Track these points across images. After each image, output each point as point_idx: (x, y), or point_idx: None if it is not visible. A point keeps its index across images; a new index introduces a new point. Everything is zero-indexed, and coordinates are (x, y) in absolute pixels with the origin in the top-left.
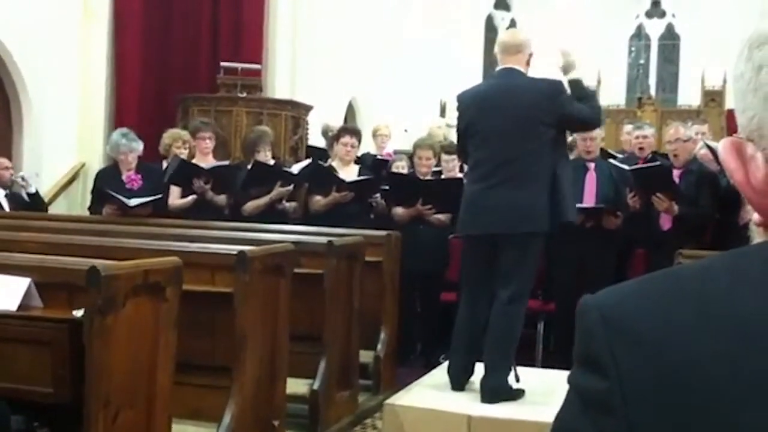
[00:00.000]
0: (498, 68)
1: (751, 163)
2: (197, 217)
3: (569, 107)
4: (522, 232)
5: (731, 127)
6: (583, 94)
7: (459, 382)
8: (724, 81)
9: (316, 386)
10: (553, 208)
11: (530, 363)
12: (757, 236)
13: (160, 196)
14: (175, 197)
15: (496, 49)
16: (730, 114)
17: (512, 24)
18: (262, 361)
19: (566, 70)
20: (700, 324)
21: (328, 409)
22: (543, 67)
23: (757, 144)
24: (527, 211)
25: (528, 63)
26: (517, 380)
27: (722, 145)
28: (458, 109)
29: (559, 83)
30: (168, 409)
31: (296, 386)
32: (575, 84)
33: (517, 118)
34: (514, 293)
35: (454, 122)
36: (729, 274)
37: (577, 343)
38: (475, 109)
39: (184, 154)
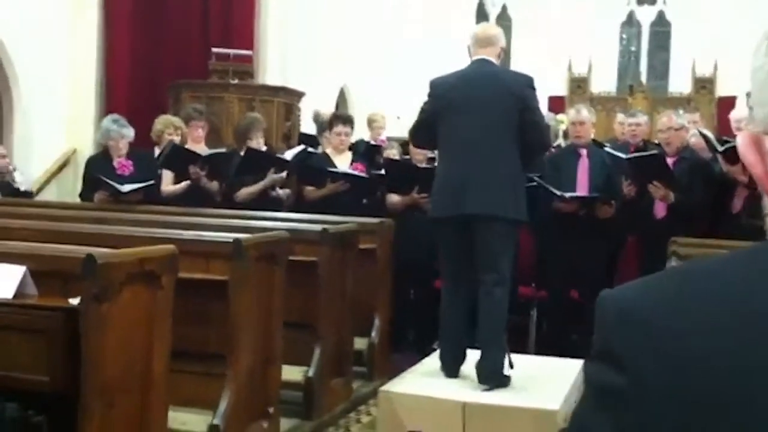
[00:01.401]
0: (472, 59)
1: None
2: (188, 204)
3: (533, 103)
4: (502, 216)
5: (722, 115)
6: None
7: (452, 370)
8: (715, 68)
9: (310, 373)
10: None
11: (523, 350)
12: None
13: (152, 182)
14: (168, 182)
15: (470, 41)
16: (721, 101)
17: (503, 11)
18: (256, 349)
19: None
20: (719, 320)
21: (323, 396)
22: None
23: None
24: (506, 197)
25: (499, 56)
26: (511, 367)
27: (740, 139)
28: (431, 93)
29: (530, 78)
30: (164, 397)
31: (291, 373)
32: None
33: (494, 106)
34: (500, 277)
35: None
36: (748, 270)
37: (596, 338)
38: (452, 94)
39: (176, 140)
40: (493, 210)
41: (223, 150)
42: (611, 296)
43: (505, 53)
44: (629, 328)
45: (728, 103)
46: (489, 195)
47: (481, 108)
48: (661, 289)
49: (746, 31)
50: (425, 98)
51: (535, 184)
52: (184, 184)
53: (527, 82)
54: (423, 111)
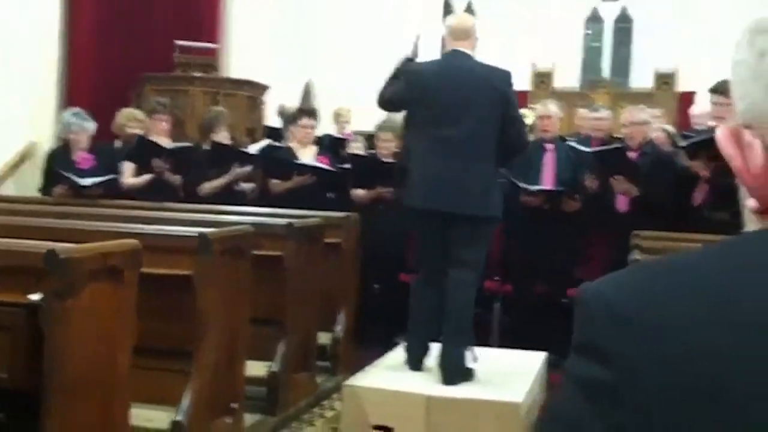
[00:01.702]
0: (447, 50)
1: (749, 150)
2: (150, 198)
3: (513, 102)
4: (481, 215)
5: (683, 111)
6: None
7: (417, 363)
8: (676, 65)
9: (274, 368)
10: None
11: (487, 343)
12: (750, 223)
13: (114, 176)
14: (129, 175)
15: (444, 32)
16: (682, 97)
17: (468, 7)
18: (221, 344)
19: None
20: (704, 312)
21: (287, 391)
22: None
23: (755, 131)
24: (486, 194)
25: (474, 47)
26: (475, 360)
27: (721, 132)
28: (408, 79)
29: (510, 74)
30: (126, 394)
31: (255, 369)
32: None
33: (474, 100)
34: (472, 273)
35: None
36: (730, 262)
37: (578, 333)
38: (433, 86)
39: (138, 134)
40: (474, 210)
41: (187, 144)
42: (593, 290)
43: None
44: (614, 322)
45: (688, 98)
46: (470, 194)
47: (465, 104)
48: (642, 283)
49: (706, 28)
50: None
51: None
52: (146, 177)
53: (508, 79)
54: (397, 90)
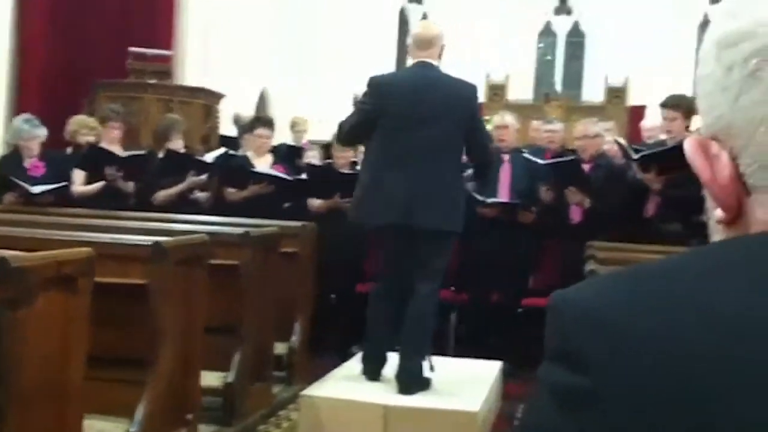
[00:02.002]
0: (412, 61)
1: (716, 161)
2: (101, 206)
3: (477, 116)
4: (447, 230)
5: (633, 124)
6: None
7: (374, 373)
8: (627, 79)
9: (230, 379)
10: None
11: (443, 352)
12: (717, 233)
13: (65, 183)
14: (80, 183)
15: (409, 41)
16: (632, 111)
17: (424, 18)
18: (176, 354)
19: None
20: (679, 319)
21: (243, 402)
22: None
23: (723, 143)
24: (451, 209)
25: (440, 56)
26: (432, 369)
27: (689, 144)
28: (372, 92)
29: (475, 87)
30: (80, 404)
31: (210, 379)
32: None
33: (440, 114)
34: (434, 286)
35: None
36: (703, 269)
37: (552, 340)
38: (393, 100)
39: (90, 141)
40: (439, 224)
41: (141, 152)
42: (567, 297)
43: None
44: (589, 329)
45: (639, 112)
46: (435, 209)
47: (429, 117)
48: (617, 290)
49: (656, 44)
50: (348, 105)
51: None
52: (98, 185)
53: (474, 92)
54: (362, 110)
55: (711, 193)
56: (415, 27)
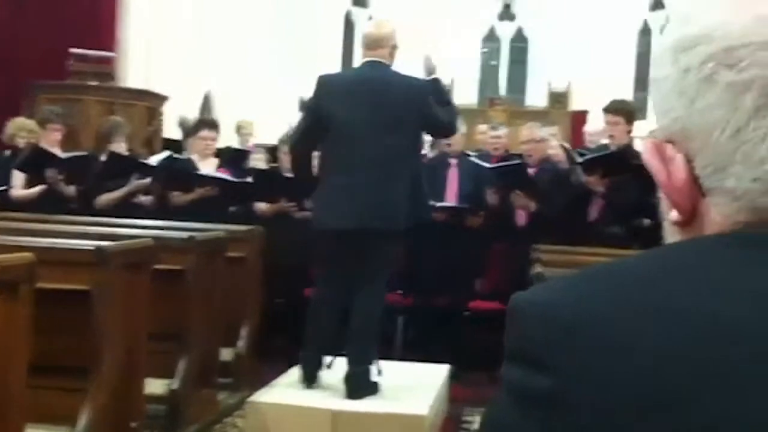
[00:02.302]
0: (363, 60)
1: (672, 164)
2: (42, 209)
3: (434, 109)
4: (393, 229)
5: (576, 128)
6: (443, 99)
7: (311, 378)
8: (569, 84)
9: (175, 386)
10: (413, 207)
11: (390, 356)
12: (670, 235)
13: (4, 187)
14: (20, 186)
15: (361, 41)
16: (575, 116)
17: (370, 21)
18: (120, 361)
19: (430, 72)
20: (639, 320)
21: (188, 409)
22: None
23: (678, 145)
24: (394, 210)
25: (392, 56)
26: (380, 373)
27: (645, 147)
28: (319, 91)
29: (428, 84)
30: (21, 413)
31: (155, 386)
32: (438, 87)
33: (386, 113)
34: (379, 289)
35: None
36: (665, 270)
37: (514, 342)
38: (339, 99)
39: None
40: (389, 225)
41: (82, 153)
42: (528, 299)
43: None
44: (550, 329)
45: (581, 117)
46: (382, 210)
47: (378, 118)
48: (579, 291)
49: (597, 50)
50: (301, 101)
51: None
52: (38, 188)
53: (425, 91)
54: (308, 116)
55: (667, 194)
56: (367, 26)
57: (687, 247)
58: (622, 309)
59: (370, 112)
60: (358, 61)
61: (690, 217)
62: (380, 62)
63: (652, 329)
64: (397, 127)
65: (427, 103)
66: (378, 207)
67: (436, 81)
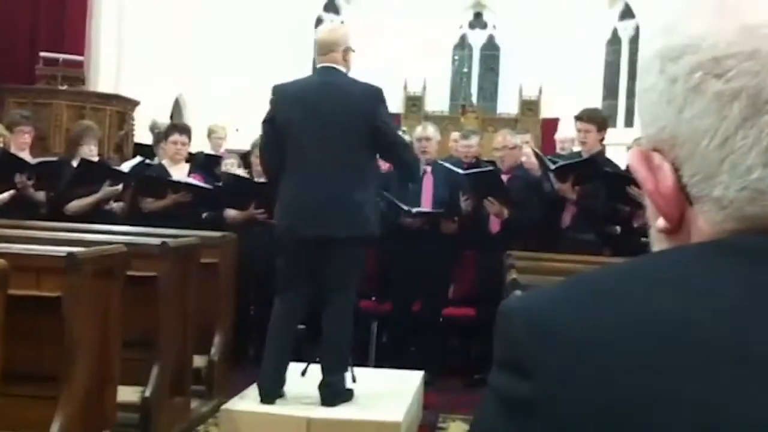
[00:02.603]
0: (318, 66)
1: (659, 172)
2: (11, 215)
3: (385, 120)
4: (355, 236)
5: (546, 136)
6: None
7: (271, 396)
8: (540, 92)
9: (147, 393)
10: (381, 213)
11: (364, 363)
12: (657, 243)
13: None
14: None
15: (314, 46)
16: (545, 123)
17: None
18: (92, 369)
19: None
20: (626, 328)
21: (161, 417)
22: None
23: (666, 154)
24: (355, 216)
25: (345, 59)
26: (354, 380)
27: (632, 155)
28: (273, 102)
29: (380, 90)
30: None
31: (127, 394)
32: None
33: (340, 119)
34: (348, 297)
35: None
36: (651, 278)
37: (501, 349)
38: (293, 107)
39: None
40: (346, 231)
41: (54, 158)
42: (517, 306)
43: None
44: (537, 336)
45: (552, 124)
46: (339, 216)
47: (329, 124)
48: (565, 299)
49: (567, 58)
50: (267, 108)
51: (380, 197)
52: (7, 193)
53: (377, 97)
54: (267, 128)
55: (654, 202)
56: (318, 31)
57: (673, 255)
58: (605, 318)
59: (324, 118)
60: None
61: (677, 225)
62: (333, 67)
63: (633, 338)
64: (351, 132)
65: (378, 111)
66: (338, 213)
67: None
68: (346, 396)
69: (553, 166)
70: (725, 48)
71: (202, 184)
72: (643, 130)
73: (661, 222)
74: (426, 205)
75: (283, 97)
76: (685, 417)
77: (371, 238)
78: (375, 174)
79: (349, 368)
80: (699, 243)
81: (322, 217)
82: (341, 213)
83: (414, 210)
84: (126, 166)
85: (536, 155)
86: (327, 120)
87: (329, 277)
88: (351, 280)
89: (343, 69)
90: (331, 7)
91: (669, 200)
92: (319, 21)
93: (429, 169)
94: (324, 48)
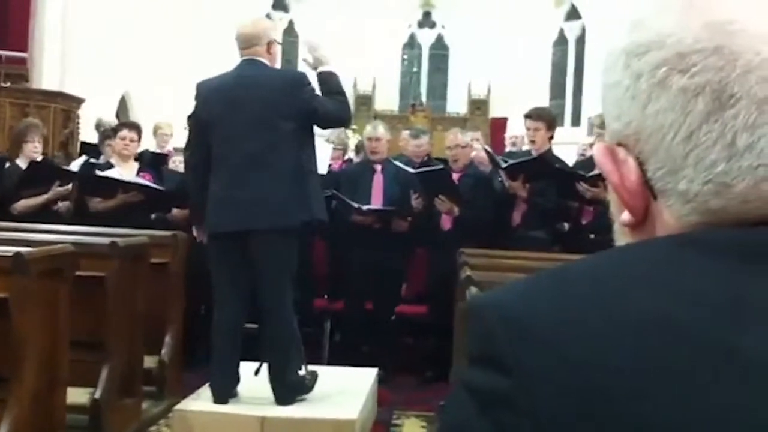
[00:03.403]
0: (240, 60)
1: (624, 166)
2: None
3: (313, 101)
4: (275, 228)
5: (495, 134)
6: (333, 89)
7: (223, 396)
8: (489, 91)
9: (97, 395)
10: (302, 205)
11: (318, 361)
12: (621, 237)
13: None
14: None
15: (236, 40)
16: (494, 122)
17: (291, 26)
18: (40, 371)
19: (315, 65)
20: (598, 322)
21: (111, 418)
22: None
23: (631, 149)
24: (277, 207)
25: (270, 51)
26: (304, 369)
27: (597, 150)
28: (196, 99)
29: (303, 75)
30: None
31: (77, 396)
32: (324, 78)
33: (258, 111)
34: (282, 293)
35: None
36: (617, 273)
37: (474, 344)
38: (215, 102)
39: None
40: (275, 223)
41: None
42: (488, 302)
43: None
44: (511, 332)
45: (500, 123)
46: (264, 206)
47: (249, 114)
48: (537, 294)
49: (515, 58)
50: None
51: (330, 195)
52: None
53: (299, 82)
54: (193, 126)
55: (619, 196)
56: (239, 25)
57: (640, 249)
58: (580, 313)
59: (245, 111)
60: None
61: (642, 219)
62: (255, 60)
63: (604, 331)
64: (274, 123)
65: (302, 95)
66: (261, 206)
67: (322, 74)
68: (300, 388)
69: (504, 164)
70: (690, 44)
71: (154, 185)
72: (608, 125)
73: (625, 216)
74: (377, 204)
75: (206, 92)
76: (666, 415)
77: (292, 228)
78: (305, 165)
79: (303, 365)
80: (664, 237)
81: (244, 211)
82: (265, 205)
83: (365, 207)
84: (74, 166)
85: (487, 153)
86: (249, 111)
87: (259, 273)
88: (284, 275)
89: (266, 61)
90: (280, 5)
91: (634, 194)
92: (268, 19)
93: (379, 168)
94: (246, 41)
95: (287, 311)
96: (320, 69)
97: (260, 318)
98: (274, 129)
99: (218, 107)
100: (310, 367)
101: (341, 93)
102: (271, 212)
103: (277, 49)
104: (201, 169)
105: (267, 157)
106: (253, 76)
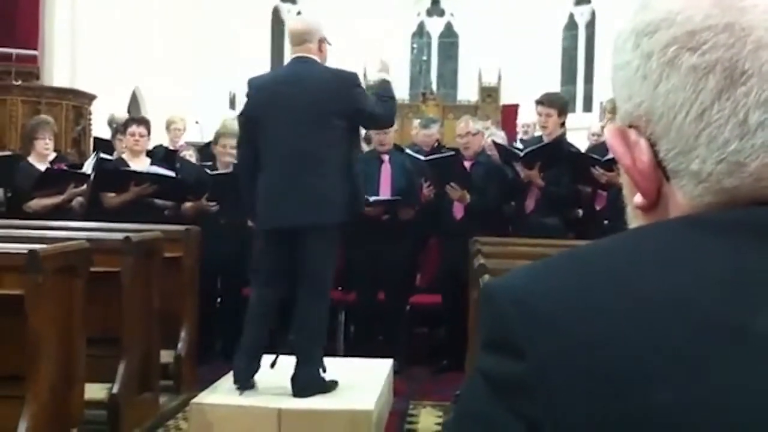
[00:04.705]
0: (291, 57)
1: (635, 148)
2: None
3: (363, 101)
4: (323, 223)
5: (506, 121)
6: (386, 93)
7: (246, 382)
8: (499, 78)
9: (115, 390)
10: (351, 202)
11: (332, 353)
12: (634, 219)
13: None
14: None
15: (288, 37)
16: (505, 109)
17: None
18: (57, 368)
19: (382, 69)
20: (611, 304)
21: (129, 413)
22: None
23: (642, 130)
24: (326, 203)
25: (321, 49)
26: (324, 371)
27: (609, 132)
28: (248, 95)
29: (355, 75)
30: None
31: (94, 391)
32: (385, 85)
33: (310, 109)
34: (321, 287)
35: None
36: (631, 255)
37: (488, 329)
38: (267, 99)
39: None
40: (322, 220)
41: (8, 153)
42: (501, 286)
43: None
44: (525, 315)
45: (511, 110)
46: (310, 204)
47: (301, 113)
48: (550, 277)
49: (525, 44)
50: (224, 104)
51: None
52: None
53: (351, 83)
54: (244, 122)
55: (631, 178)
56: (290, 22)
57: (652, 231)
58: (594, 295)
59: (296, 109)
60: (287, 56)
61: (654, 201)
62: (307, 57)
63: (617, 313)
64: (324, 121)
65: (354, 95)
66: (309, 203)
67: (384, 81)
68: (322, 387)
69: (519, 152)
70: (700, 21)
71: (165, 171)
72: (619, 107)
73: (638, 198)
74: (385, 194)
75: (257, 90)
76: (679, 396)
77: (333, 225)
78: (353, 164)
79: (325, 369)
80: (676, 218)
81: (294, 206)
82: (313, 202)
83: (372, 199)
84: (87, 166)
85: (496, 145)
86: (300, 109)
87: (303, 269)
88: (325, 272)
89: (317, 59)
90: None
91: (646, 176)
92: (276, 11)
93: (387, 158)
94: (298, 38)
95: (322, 308)
96: (383, 77)
97: (284, 311)
98: (326, 127)
99: (269, 105)
100: (329, 377)
101: (392, 98)
102: (323, 209)
103: (327, 48)
104: (251, 166)
105: (320, 154)
106: (305, 74)
